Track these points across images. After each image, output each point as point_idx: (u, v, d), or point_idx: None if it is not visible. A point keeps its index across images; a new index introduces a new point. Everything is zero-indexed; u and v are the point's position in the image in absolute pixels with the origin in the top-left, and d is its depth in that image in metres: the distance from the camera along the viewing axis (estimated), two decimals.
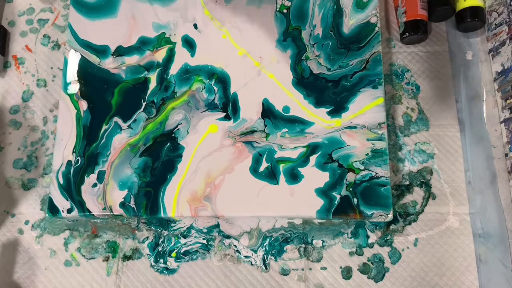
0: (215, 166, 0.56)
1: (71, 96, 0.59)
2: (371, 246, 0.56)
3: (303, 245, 0.56)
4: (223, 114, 0.58)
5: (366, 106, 0.56)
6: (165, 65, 0.60)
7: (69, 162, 0.57)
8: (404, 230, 0.56)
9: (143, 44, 0.61)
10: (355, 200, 0.53)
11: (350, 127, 0.56)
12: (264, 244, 0.57)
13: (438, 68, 0.62)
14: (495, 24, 0.60)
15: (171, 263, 0.57)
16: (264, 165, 0.55)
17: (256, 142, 0.56)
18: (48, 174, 0.61)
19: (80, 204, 0.55)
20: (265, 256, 0.56)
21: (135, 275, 0.57)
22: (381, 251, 0.56)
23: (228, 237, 0.57)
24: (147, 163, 0.56)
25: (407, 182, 0.58)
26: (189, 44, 0.60)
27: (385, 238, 0.56)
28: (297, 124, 0.56)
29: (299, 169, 0.55)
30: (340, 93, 0.57)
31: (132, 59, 0.60)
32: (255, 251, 0.57)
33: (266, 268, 0.56)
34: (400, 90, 0.61)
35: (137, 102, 0.59)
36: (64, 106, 0.59)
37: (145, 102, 0.59)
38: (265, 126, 0.57)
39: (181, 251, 0.57)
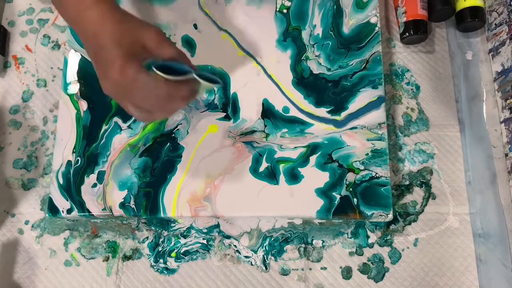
0: (215, 166, 0.56)
1: (71, 96, 0.59)
2: (371, 246, 0.56)
3: (303, 245, 0.56)
4: (223, 114, 0.58)
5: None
6: None
7: (69, 162, 0.57)
8: (404, 230, 0.56)
9: None
10: (355, 200, 0.53)
11: (350, 128, 0.56)
12: (264, 244, 0.57)
13: (438, 68, 0.62)
14: (495, 24, 0.60)
15: (171, 263, 0.57)
16: (264, 165, 0.55)
17: (256, 142, 0.56)
18: (48, 174, 0.61)
19: (80, 204, 0.55)
20: (265, 256, 0.56)
21: (135, 275, 0.57)
22: (381, 251, 0.56)
23: (228, 237, 0.57)
24: (147, 164, 0.56)
25: (407, 182, 0.58)
26: (189, 44, 0.60)
27: (385, 238, 0.56)
28: (297, 124, 0.56)
29: (299, 169, 0.55)
30: (340, 93, 0.57)
31: None
32: (255, 251, 0.57)
33: (266, 268, 0.56)
34: (400, 90, 0.61)
35: None
36: (64, 106, 0.59)
37: None
38: (265, 126, 0.57)
39: (181, 251, 0.57)
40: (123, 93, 0.43)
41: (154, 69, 0.42)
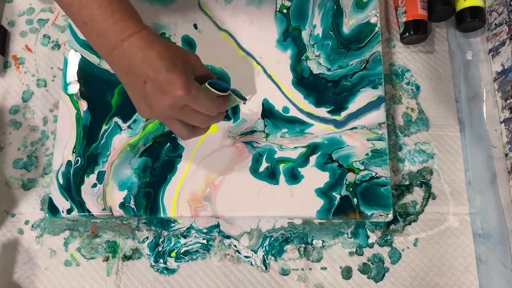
0: (215, 166, 0.56)
1: (71, 96, 0.59)
2: (371, 246, 0.56)
3: (303, 245, 0.56)
4: None
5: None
6: None
7: (69, 162, 0.57)
8: (404, 230, 0.56)
9: None
10: (355, 200, 0.53)
11: (351, 128, 0.56)
12: (264, 244, 0.57)
13: (438, 68, 0.62)
14: (495, 24, 0.60)
15: (171, 263, 0.57)
16: (264, 165, 0.55)
17: (256, 142, 0.56)
18: (48, 174, 0.61)
19: (80, 204, 0.55)
20: (265, 256, 0.56)
21: (135, 275, 0.57)
22: (381, 251, 0.56)
23: (228, 237, 0.57)
24: (147, 164, 0.56)
25: (407, 182, 0.58)
26: (189, 44, 0.60)
27: (385, 238, 0.56)
28: (297, 124, 0.56)
29: (299, 169, 0.55)
30: (340, 93, 0.57)
31: None
32: (255, 251, 0.57)
33: (266, 268, 0.56)
34: (400, 90, 0.61)
35: None
36: (64, 106, 0.59)
37: None
38: (265, 126, 0.57)
39: (181, 251, 0.57)
40: (178, 112, 0.44)
41: (209, 86, 0.45)
